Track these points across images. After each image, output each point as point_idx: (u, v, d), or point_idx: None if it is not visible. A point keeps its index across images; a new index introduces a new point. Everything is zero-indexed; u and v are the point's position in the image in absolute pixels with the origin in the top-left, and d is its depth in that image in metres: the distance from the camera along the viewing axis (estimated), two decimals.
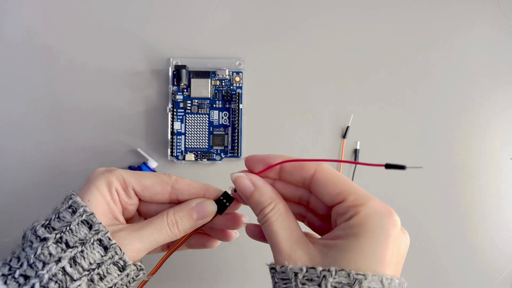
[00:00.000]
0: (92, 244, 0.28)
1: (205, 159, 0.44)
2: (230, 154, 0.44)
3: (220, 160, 0.44)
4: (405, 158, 0.45)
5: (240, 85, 0.44)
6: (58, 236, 0.28)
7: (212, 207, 0.32)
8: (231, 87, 0.44)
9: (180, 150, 0.44)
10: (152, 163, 0.43)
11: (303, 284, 0.25)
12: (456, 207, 0.45)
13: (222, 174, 0.44)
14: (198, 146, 0.44)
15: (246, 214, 0.33)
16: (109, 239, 0.28)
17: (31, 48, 0.45)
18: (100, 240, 0.28)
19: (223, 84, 0.44)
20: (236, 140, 0.43)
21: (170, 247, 0.34)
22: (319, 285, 0.25)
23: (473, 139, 0.45)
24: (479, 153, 0.45)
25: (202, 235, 0.35)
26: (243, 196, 0.30)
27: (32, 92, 0.44)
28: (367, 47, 0.45)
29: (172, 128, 0.43)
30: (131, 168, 0.43)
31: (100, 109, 0.44)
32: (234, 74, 0.44)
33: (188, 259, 0.44)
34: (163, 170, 0.44)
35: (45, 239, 0.28)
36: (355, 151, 0.45)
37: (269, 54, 0.45)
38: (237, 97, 0.44)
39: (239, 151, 0.43)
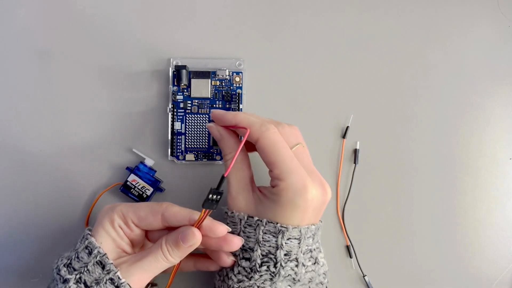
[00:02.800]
0: (105, 283, 0.32)
1: (205, 159, 0.44)
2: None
3: (220, 160, 0.44)
4: (404, 158, 0.45)
5: (240, 85, 0.44)
6: (77, 276, 0.32)
7: (193, 233, 0.33)
8: (231, 87, 0.44)
9: (180, 150, 0.44)
10: (149, 162, 0.43)
11: (245, 227, 0.35)
12: (455, 207, 0.45)
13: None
14: (198, 146, 0.44)
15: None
16: (119, 278, 0.32)
17: (30, 48, 0.44)
18: (111, 279, 0.32)
19: (223, 84, 0.44)
20: None
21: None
22: (255, 229, 0.34)
23: (472, 139, 0.45)
24: (478, 153, 0.45)
25: (206, 259, 0.38)
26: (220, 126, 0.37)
27: (31, 92, 0.44)
28: (367, 48, 0.45)
29: (173, 128, 0.43)
30: (128, 169, 0.43)
31: (99, 109, 0.44)
32: (234, 74, 0.44)
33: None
34: (163, 170, 0.44)
35: (66, 281, 0.32)
36: (355, 151, 0.45)
37: (269, 54, 0.45)
38: (237, 97, 0.44)
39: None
